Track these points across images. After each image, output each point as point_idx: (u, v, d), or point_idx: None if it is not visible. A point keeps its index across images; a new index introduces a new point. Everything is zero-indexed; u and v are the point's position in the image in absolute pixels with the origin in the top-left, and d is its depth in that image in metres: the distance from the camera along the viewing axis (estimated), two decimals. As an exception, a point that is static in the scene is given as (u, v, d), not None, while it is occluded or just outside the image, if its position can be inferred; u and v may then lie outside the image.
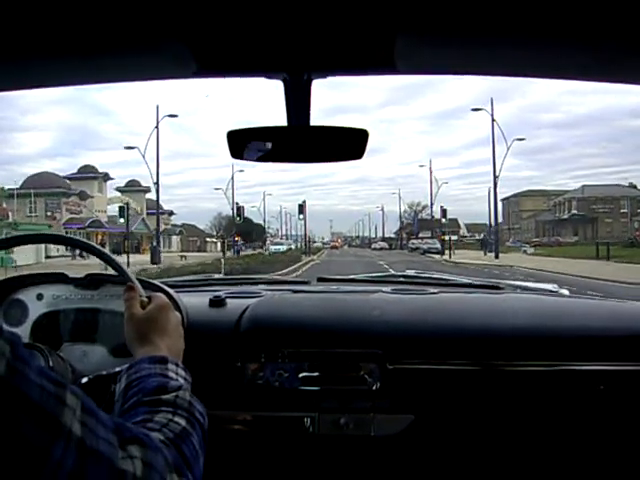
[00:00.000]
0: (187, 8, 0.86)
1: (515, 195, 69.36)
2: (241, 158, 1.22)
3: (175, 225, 56.61)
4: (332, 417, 1.40)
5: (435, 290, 1.80)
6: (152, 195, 36.82)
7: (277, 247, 43.77)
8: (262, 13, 0.89)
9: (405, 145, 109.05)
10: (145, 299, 1.05)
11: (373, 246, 65.29)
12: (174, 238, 53.62)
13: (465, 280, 2.15)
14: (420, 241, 49.78)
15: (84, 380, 1.16)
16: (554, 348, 1.44)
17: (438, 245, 39.71)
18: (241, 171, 45.99)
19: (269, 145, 1.20)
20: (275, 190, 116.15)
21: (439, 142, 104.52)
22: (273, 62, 1.05)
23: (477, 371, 1.43)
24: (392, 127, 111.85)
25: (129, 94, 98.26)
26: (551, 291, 2.00)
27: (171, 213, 57.12)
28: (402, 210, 69.66)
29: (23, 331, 1.33)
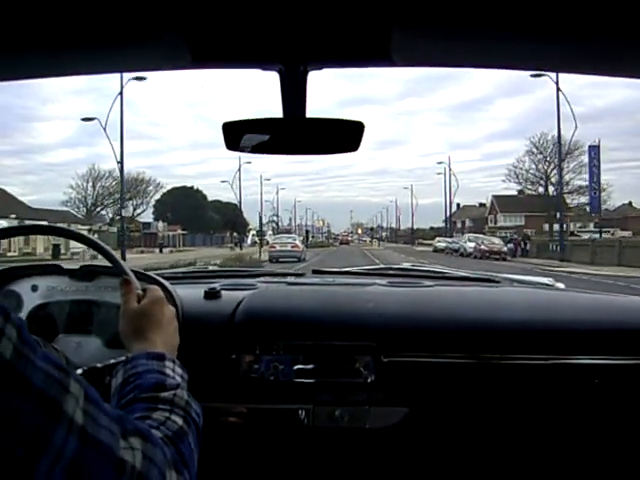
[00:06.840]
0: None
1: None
2: (236, 150, 1.21)
3: None
4: (327, 409, 1.40)
5: (431, 283, 1.80)
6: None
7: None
8: (257, 4, 0.88)
9: (425, 137, 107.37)
10: (140, 292, 1.04)
11: (450, 245, 32.88)
12: None
13: (461, 273, 2.15)
14: None
15: (78, 372, 1.16)
16: (549, 341, 1.44)
17: None
18: (248, 162, 42.64)
19: (264, 137, 1.19)
20: (294, 181, 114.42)
21: (459, 134, 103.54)
22: (268, 53, 1.05)
23: (472, 364, 1.43)
24: (412, 119, 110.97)
25: (148, 85, 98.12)
26: (547, 284, 2.00)
27: None
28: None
29: None
